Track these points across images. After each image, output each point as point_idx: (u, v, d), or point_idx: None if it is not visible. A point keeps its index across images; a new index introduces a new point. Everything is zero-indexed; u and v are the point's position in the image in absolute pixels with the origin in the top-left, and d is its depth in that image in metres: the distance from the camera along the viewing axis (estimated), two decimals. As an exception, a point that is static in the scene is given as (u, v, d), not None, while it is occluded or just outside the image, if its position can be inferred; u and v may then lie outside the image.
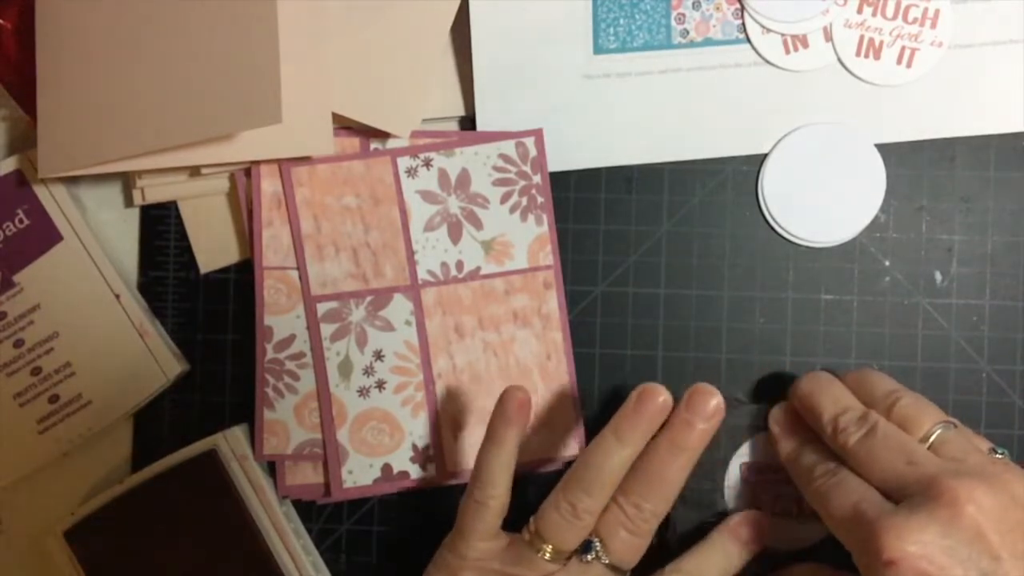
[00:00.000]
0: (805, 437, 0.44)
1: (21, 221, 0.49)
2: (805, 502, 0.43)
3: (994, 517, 0.36)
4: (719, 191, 0.49)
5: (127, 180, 0.50)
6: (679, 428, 0.42)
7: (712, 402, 0.42)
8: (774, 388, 0.48)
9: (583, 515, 0.42)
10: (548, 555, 0.42)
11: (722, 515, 0.48)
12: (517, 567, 0.42)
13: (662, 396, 0.42)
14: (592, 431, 0.49)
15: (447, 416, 0.49)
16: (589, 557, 0.42)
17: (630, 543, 0.42)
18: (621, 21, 0.49)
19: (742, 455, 0.48)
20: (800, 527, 0.47)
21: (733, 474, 0.48)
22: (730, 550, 0.45)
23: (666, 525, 0.45)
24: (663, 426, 0.42)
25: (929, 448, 0.40)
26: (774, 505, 0.48)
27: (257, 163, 0.49)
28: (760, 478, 0.48)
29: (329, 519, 0.50)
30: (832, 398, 0.43)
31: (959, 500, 0.36)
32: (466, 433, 0.49)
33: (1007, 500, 0.37)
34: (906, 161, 0.49)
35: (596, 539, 0.42)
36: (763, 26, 0.48)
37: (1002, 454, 0.41)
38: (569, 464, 0.49)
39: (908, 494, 0.38)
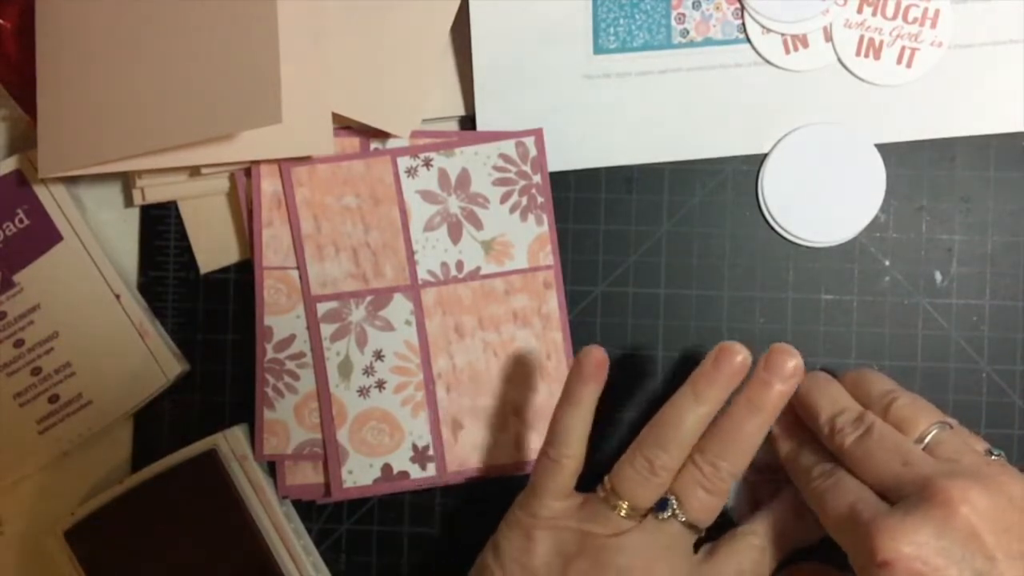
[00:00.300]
0: (804, 437, 0.44)
1: (21, 221, 0.49)
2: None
3: (988, 518, 0.36)
4: (719, 191, 0.49)
5: (127, 180, 0.50)
6: (757, 387, 0.41)
7: (791, 363, 0.41)
8: (774, 388, 0.48)
9: (660, 472, 0.41)
10: (624, 512, 0.41)
11: (723, 515, 0.48)
12: (592, 524, 0.42)
13: (741, 355, 0.41)
14: (591, 431, 0.49)
15: (447, 416, 0.49)
16: (666, 515, 0.41)
17: (707, 502, 0.42)
18: (621, 21, 0.49)
19: (742, 455, 0.48)
20: (800, 527, 0.47)
21: (733, 474, 0.48)
22: (800, 511, 0.44)
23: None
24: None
25: (924, 449, 0.40)
26: (774, 505, 0.48)
27: (257, 163, 0.49)
28: (760, 478, 0.48)
29: (329, 519, 0.50)
30: (829, 398, 0.43)
31: (953, 501, 0.36)
32: (466, 433, 0.49)
33: (1003, 501, 0.37)
34: (906, 161, 0.49)
35: (672, 497, 0.42)
36: (763, 26, 0.48)
37: (998, 455, 0.41)
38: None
39: (903, 495, 0.38)
